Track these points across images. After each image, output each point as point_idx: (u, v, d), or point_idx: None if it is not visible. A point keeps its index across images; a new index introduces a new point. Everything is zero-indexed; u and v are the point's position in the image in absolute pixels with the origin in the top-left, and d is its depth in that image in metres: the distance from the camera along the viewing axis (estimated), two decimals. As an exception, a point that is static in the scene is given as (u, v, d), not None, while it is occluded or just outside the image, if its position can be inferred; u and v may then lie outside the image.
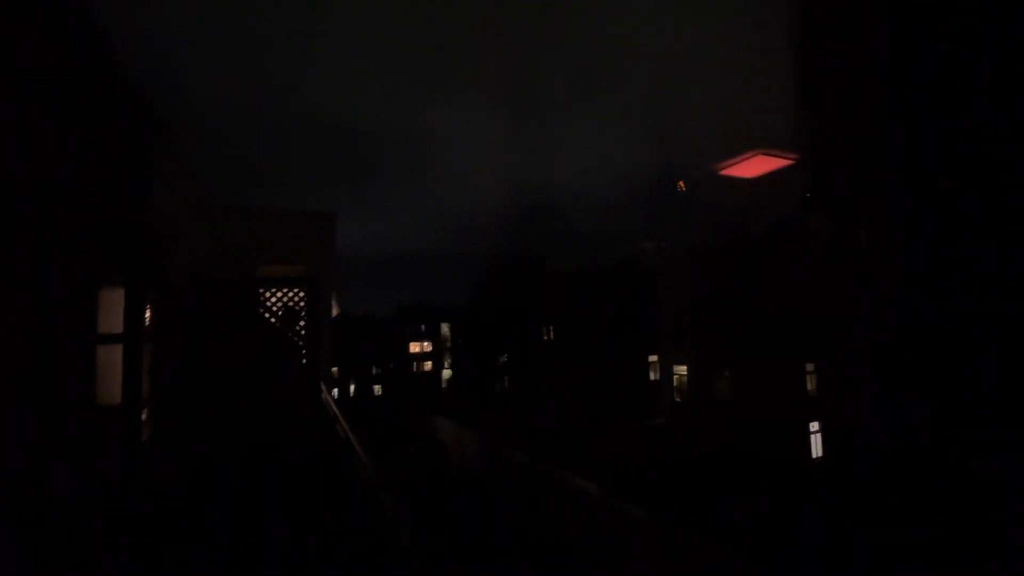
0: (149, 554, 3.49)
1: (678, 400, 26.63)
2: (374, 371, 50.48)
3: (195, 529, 3.83)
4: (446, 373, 53.43)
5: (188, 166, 5.95)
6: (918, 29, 16.98)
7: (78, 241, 3.18)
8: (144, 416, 4.11)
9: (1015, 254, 14.41)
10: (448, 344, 53.87)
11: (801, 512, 15.41)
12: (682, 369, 26.61)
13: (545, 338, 40.10)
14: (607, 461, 19.89)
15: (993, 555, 11.88)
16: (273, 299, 5.47)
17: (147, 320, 4.23)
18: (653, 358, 31.28)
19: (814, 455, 20.75)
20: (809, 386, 21.45)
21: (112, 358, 3.71)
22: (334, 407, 5.26)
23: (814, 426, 20.97)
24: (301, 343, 5.37)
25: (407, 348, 52.83)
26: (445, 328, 54.14)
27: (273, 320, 5.42)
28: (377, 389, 49.93)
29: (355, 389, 47.84)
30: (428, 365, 53.56)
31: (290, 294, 5.54)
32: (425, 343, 53.78)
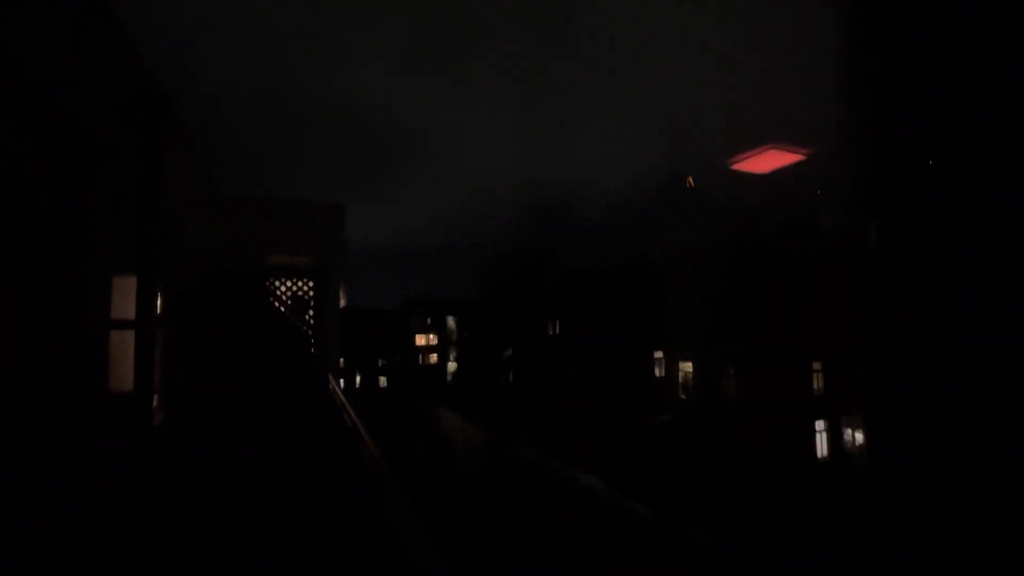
0: (161, 539, 3.54)
1: (683, 397, 26.59)
2: (380, 363, 50.76)
3: (206, 515, 3.89)
4: (451, 366, 53.61)
5: (201, 156, 5.99)
6: (944, 20, 16.72)
7: (93, 228, 3.22)
8: (155, 402, 4.17)
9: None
10: (454, 337, 54.02)
11: (806, 511, 15.37)
12: (688, 366, 26.55)
13: (551, 333, 40.12)
14: (612, 457, 19.91)
15: (995, 556, 11.82)
16: (283, 288, 5.52)
17: (159, 307, 4.29)
18: (659, 354, 31.23)
19: (819, 454, 20.67)
20: (815, 385, 21.34)
21: (124, 344, 3.76)
22: (341, 396, 5.30)
23: (820, 425, 20.88)
24: (310, 332, 5.42)
25: (413, 340, 53.03)
26: (451, 321, 54.29)
27: (283, 309, 5.46)
28: (383, 381, 50.22)
29: (361, 381, 48.15)
30: (434, 358, 53.76)
31: (299, 284, 5.59)
32: (431, 336, 53.95)
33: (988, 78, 15.49)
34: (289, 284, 5.53)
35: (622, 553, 12.76)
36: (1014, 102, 14.77)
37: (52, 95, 2.62)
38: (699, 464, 19.98)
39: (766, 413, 21.47)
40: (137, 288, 3.87)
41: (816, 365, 21.27)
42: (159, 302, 4.30)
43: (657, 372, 31.87)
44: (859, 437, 20.26)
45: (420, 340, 53.47)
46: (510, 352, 46.58)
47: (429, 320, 53.95)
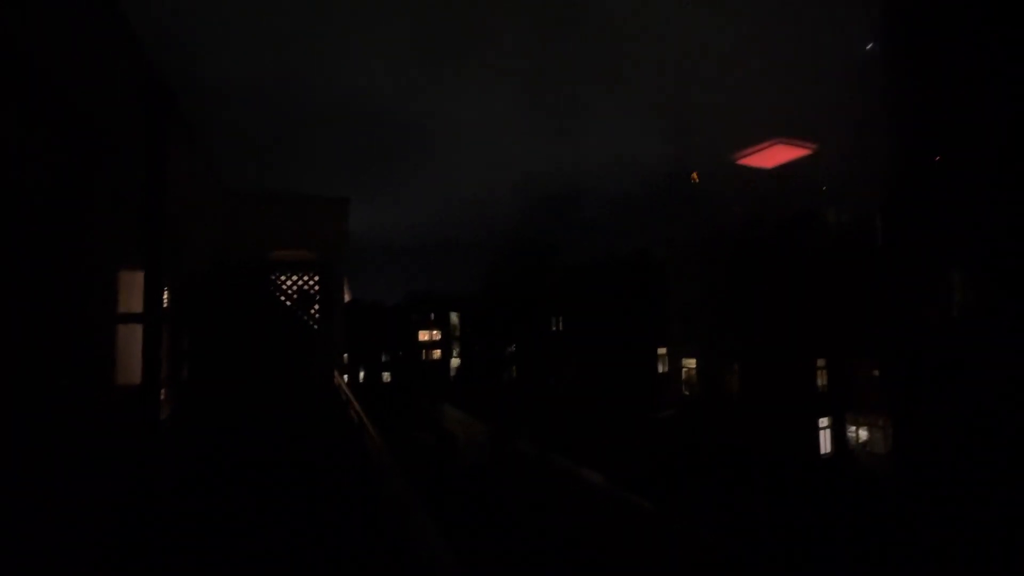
0: (166, 533, 3.56)
1: (686, 393, 26.57)
2: (383, 358, 50.90)
3: (212, 508, 3.91)
4: (455, 362, 53.71)
5: (205, 151, 5.99)
6: (955, 15, 16.55)
7: (98, 222, 3.23)
8: (162, 396, 4.19)
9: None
10: (457, 333, 54.10)
11: (806, 508, 15.36)
12: (691, 362, 26.52)
13: (554, 329, 40.12)
14: (614, 453, 19.93)
15: (997, 557, 11.78)
16: (288, 283, 5.52)
17: (165, 301, 4.30)
18: (662, 350, 31.20)
19: (823, 451, 20.63)
20: (819, 382, 21.28)
21: (131, 339, 3.77)
22: (347, 391, 5.31)
23: (823, 422, 20.83)
24: (315, 327, 5.43)
25: (416, 336, 53.11)
26: (454, 317, 54.35)
27: (288, 303, 5.47)
28: (386, 376, 50.35)
29: (365, 376, 48.30)
30: (437, 353, 53.84)
31: (304, 278, 5.59)
32: (434, 332, 54.02)
33: (999, 73, 15.34)
34: (294, 279, 5.54)
35: (621, 544, 12.79)
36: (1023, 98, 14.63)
37: (58, 89, 2.62)
38: (701, 460, 19.99)
39: (769, 410, 21.43)
40: (144, 282, 3.88)
41: (820, 362, 21.21)
42: (165, 296, 4.31)
43: (660, 368, 31.85)
44: (863, 435, 20.20)
45: (423, 336, 53.55)
46: (513, 348, 46.64)
47: (432, 316, 54.01)
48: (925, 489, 15.12)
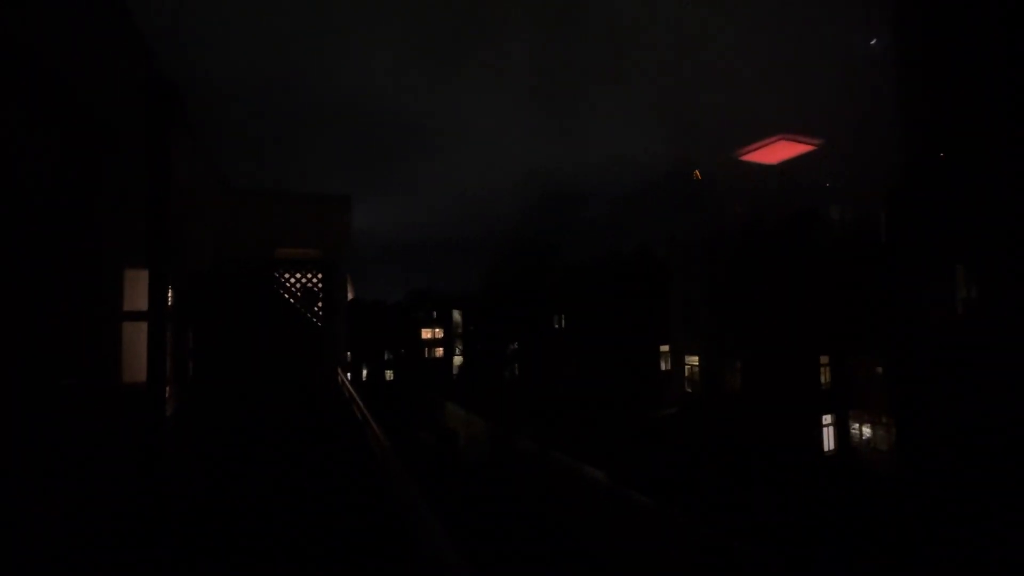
0: (173, 527, 3.58)
1: (689, 390, 26.57)
2: (386, 356, 50.99)
3: (218, 503, 3.92)
4: (457, 360, 53.76)
5: (208, 149, 6.00)
6: (962, 12, 16.47)
7: (103, 220, 3.24)
8: (167, 393, 4.20)
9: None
10: (459, 331, 54.14)
11: (810, 504, 15.36)
12: (693, 359, 26.50)
13: (556, 327, 40.14)
14: (616, 450, 19.94)
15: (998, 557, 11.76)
16: (291, 280, 5.54)
17: (169, 300, 4.31)
18: (664, 348, 31.18)
19: (826, 449, 20.61)
20: (823, 379, 21.24)
21: (137, 336, 3.78)
22: (351, 389, 5.33)
23: (827, 419, 20.81)
24: (319, 324, 5.44)
25: (419, 334, 53.16)
26: (457, 315, 54.39)
27: (291, 301, 5.49)
28: (389, 374, 50.45)
29: (367, 374, 48.40)
30: (439, 351, 53.89)
31: (308, 276, 5.60)
32: (437, 330, 54.06)
33: (1005, 70, 15.27)
34: (298, 276, 5.55)
35: (623, 541, 12.81)
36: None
37: (64, 87, 2.63)
38: (703, 457, 19.99)
39: (772, 407, 21.42)
40: (149, 280, 3.89)
41: (823, 359, 21.17)
42: (169, 295, 4.33)
43: (663, 366, 31.85)
44: (867, 432, 20.17)
45: (426, 334, 53.60)
46: (515, 346, 46.68)
47: (435, 314, 54.05)
48: (927, 486, 15.09)
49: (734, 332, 23.63)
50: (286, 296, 5.49)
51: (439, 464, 20.42)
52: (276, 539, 3.35)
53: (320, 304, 5.55)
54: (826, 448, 20.65)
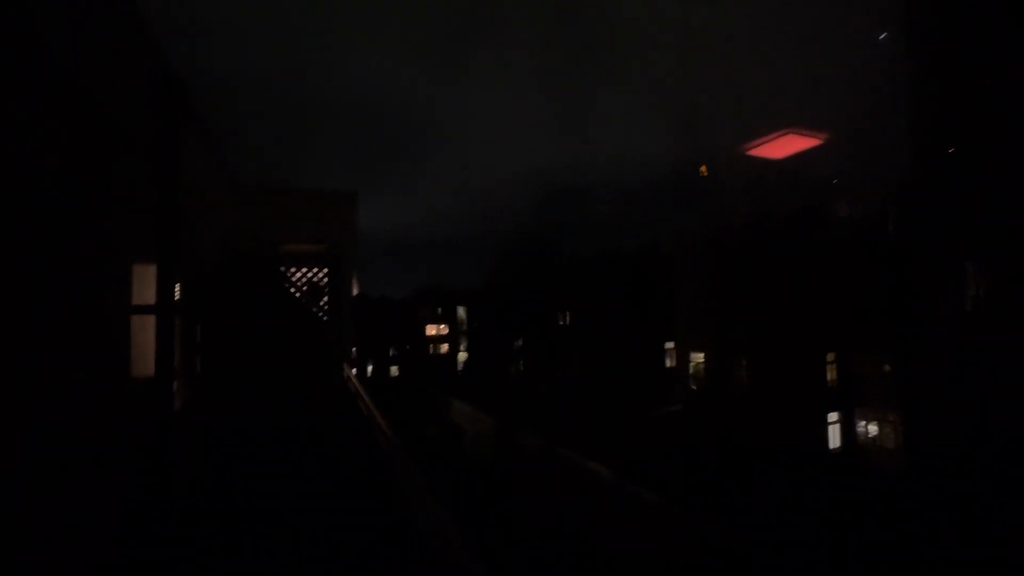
0: (181, 519, 3.62)
1: (694, 388, 26.51)
2: (391, 352, 51.18)
3: (225, 495, 3.96)
4: (462, 356, 53.88)
5: (216, 146, 6.04)
6: (971, 5, 16.28)
7: (113, 215, 3.27)
8: (176, 386, 4.25)
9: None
10: (464, 327, 54.24)
11: (816, 502, 15.32)
12: (699, 356, 26.43)
13: (561, 323, 40.14)
14: (621, 446, 19.95)
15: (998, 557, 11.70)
16: (298, 275, 5.57)
17: (177, 294, 4.35)
18: (669, 345, 31.13)
19: (832, 446, 20.54)
20: (829, 376, 21.14)
21: (145, 331, 3.82)
22: (356, 383, 5.35)
23: (832, 417, 20.72)
24: (324, 318, 5.47)
25: (424, 330, 53.30)
26: (462, 311, 54.48)
27: (298, 295, 5.52)
28: (394, 370, 50.64)
29: (373, 370, 48.60)
30: (444, 348, 54.02)
31: (314, 271, 5.63)
32: (442, 326, 54.18)
33: (1018, 63, 15.08)
34: (304, 271, 5.58)
35: (628, 537, 12.82)
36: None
37: (76, 83, 2.66)
38: (708, 454, 19.97)
39: (777, 404, 21.34)
40: (157, 275, 3.93)
41: (829, 357, 21.06)
42: (177, 288, 4.36)
43: (668, 363, 31.80)
44: (873, 430, 20.08)
45: (431, 330, 53.73)
46: (520, 343, 46.73)
47: (440, 310, 54.16)
48: (932, 484, 15.02)
49: (740, 329, 23.55)
50: (292, 291, 5.52)
51: (444, 459, 20.50)
52: (283, 530, 3.38)
53: (326, 299, 5.58)
54: (832, 446, 20.58)
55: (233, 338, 4.88)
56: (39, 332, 2.45)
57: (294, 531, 3.37)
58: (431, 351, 53.50)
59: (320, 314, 5.53)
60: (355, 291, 13.90)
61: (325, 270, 5.72)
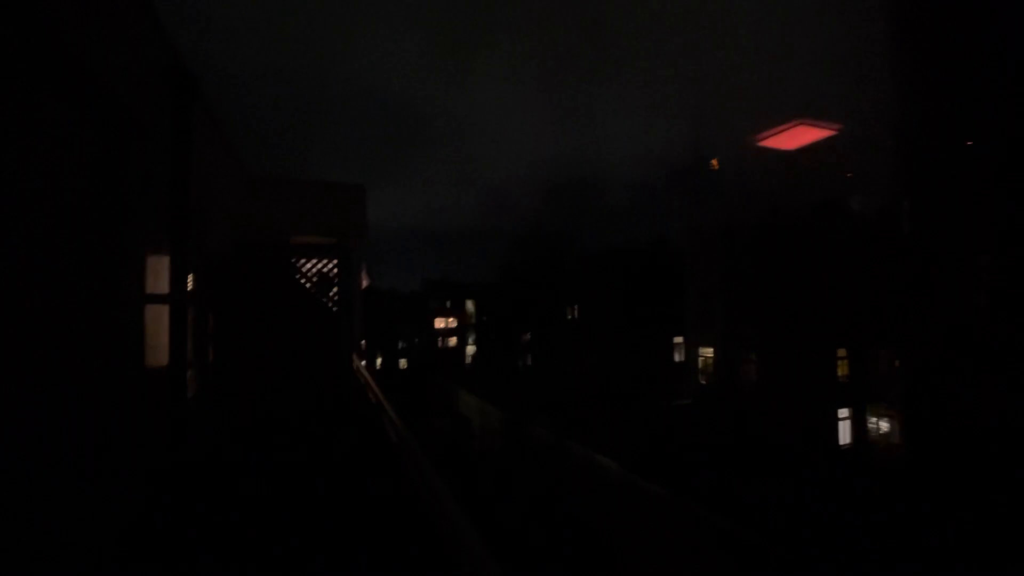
0: (192, 512, 3.68)
1: (703, 382, 26.42)
2: (400, 345, 51.48)
3: (238, 484, 4.02)
4: (470, 349, 54.06)
5: (228, 137, 6.07)
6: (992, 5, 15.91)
7: (127, 205, 3.31)
8: (189, 375, 4.31)
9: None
10: (473, 320, 54.38)
11: (825, 497, 15.25)
12: (708, 351, 26.32)
13: (570, 317, 40.10)
14: (629, 440, 19.96)
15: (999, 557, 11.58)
16: (307, 265, 5.62)
17: (190, 284, 4.40)
18: (678, 339, 31.02)
19: (842, 442, 20.41)
20: (840, 372, 20.98)
21: (159, 321, 3.87)
22: (365, 374, 5.41)
23: (843, 412, 20.58)
24: (334, 309, 5.52)
25: (433, 323, 53.53)
26: (470, 304, 54.62)
27: (308, 286, 5.57)
28: (403, 363, 50.94)
29: (382, 362, 48.93)
30: (453, 341, 54.23)
31: (323, 263, 5.68)
32: (450, 319, 54.37)
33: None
34: (314, 261, 5.63)
35: (636, 529, 12.85)
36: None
37: (90, 75, 2.68)
38: (716, 448, 19.91)
39: (787, 400, 21.22)
40: (170, 265, 3.98)
41: (841, 352, 20.89)
42: (190, 280, 4.41)
43: (677, 357, 31.71)
44: (884, 426, 19.91)
45: (440, 323, 53.95)
46: (528, 336, 46.78)
47: (448, 303, 54.35)
48: (934, 482, 14.88)
49: (750, 324, 23.39)
50: (302, 281, 5.57)
51: (453, 450, 20.63)
52: (294, 519, 3.43)
53: (335, 290, 5.62)
54: (842, 441, 20.45)
55: (245, 327, 4.94)
56: (58, 321, 2.49)
57: (306, 517, 3.42)
58: (440, 344, 53.74)
59: (329, 304, 5.58)
60: (364, 284, 13.97)
61: (335, 261, 5.76)
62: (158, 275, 3.87)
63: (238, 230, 6.53)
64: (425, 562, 2.59)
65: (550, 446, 17.94)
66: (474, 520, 2.02)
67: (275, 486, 3.91)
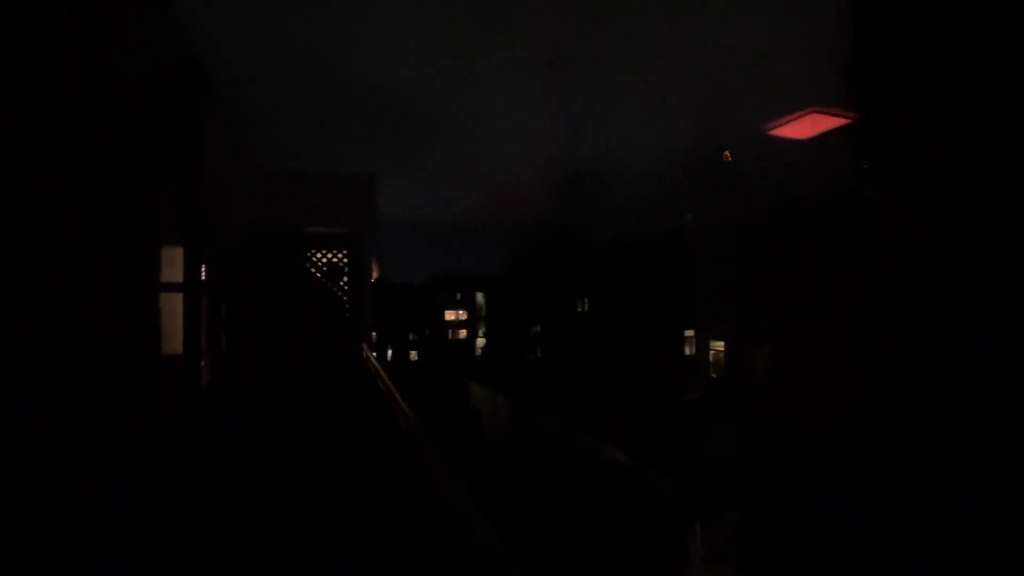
0: (211, 498, 3.75)
1: (714, 376, 26.29)
2: (410, 337, 51.78)
3: (250, 473, 4.09)
4: (480, 342, 54.23)
5: (238, 129, 6.12)
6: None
7: (142, 198, 3.35)
8: (203, 363, 4.37)
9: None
10: (483, 313, 54.50)
11: (837, 494, 15.14)
12: (719, 344, 26.15)
13: (580, 310, 40.04)
14: (639, 432, 19.94)
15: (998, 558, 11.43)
16: (318, 255, 5.67)
17: (203, 274, 4.46)
18: (689, 332, 30.86)
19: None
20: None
21: (173, 311, 3.93)
22: (375, 363, 5.45)
23: (856, 407, 20.36)
24: (345, 299, 5.57)
25: (443, 316, 53.74)
26: (480, 297, 54.72)
27: (319, 276, 5.62)
28: (413, 355, 51.26)
29: (392, 354, 49.27)
30: (463, 333, 54.43)
31: (334, 253, 5.72)
32: (460, 311, 54.54)
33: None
34: (324, 251, 5.68)
35: (645, 523, 12.88)
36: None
37: (102, 68, 2.71)
38: (727, 442, 19.84)
39: (800, 394, 21.05)
40: (183, 256, 4.03)
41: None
42: (203, 269, 4.48)
43: (687, 351, 31.55)
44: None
45: (449, 315, 54.15)
46: (538, 328, 46.80)
47: (458, 295, 54.50)
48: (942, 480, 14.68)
49: (762, 317, 23.20)
50: (314, 271, 5.63)
51: (462, 441, 20.77)
52: (307, 505, 3.48)
53: (346, 280, 5.67)
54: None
55: (257, 316, 5.00)
56: (76, 311, 2.54)
57: (318, 507, 3.47)
58: (450, 336, 53.97)
59: (340, 294, 5.62)
60: (375, 275, 14.04)
61: (345, 252, 5.81)
62: (172, 264, 3.93)
63: (250, 220, 6.59)
64: (434, 548, 2.62)
65: (559, 438, 18.00)
66: (483, 511, 2.03)
67: (286, 476, 3.96)
